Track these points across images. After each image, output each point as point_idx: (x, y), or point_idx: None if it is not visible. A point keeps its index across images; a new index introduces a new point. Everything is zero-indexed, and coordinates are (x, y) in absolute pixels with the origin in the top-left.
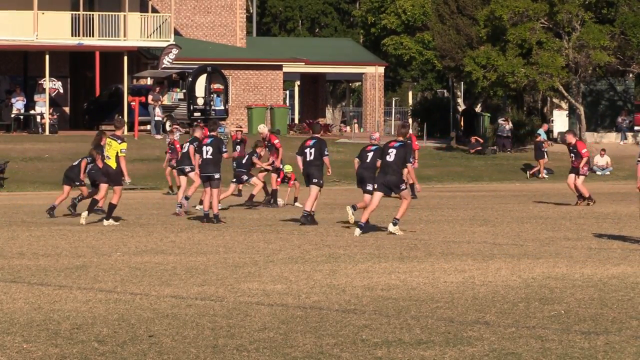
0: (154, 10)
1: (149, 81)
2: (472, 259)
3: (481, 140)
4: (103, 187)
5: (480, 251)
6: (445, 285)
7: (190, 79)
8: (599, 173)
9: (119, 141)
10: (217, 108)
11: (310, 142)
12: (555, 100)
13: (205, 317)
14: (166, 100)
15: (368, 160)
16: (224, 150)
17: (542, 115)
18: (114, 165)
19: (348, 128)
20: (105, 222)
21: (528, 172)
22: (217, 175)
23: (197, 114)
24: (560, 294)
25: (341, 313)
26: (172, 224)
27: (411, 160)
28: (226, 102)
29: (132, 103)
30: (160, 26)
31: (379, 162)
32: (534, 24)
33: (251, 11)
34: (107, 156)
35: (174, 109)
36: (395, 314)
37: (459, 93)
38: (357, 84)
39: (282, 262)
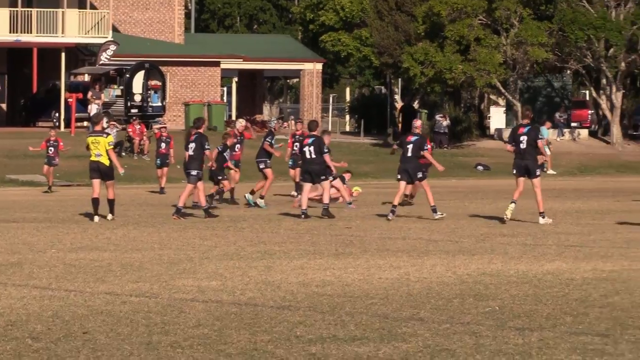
0: (92, 7)
1: (87, 77)
2: (407, 256)
3: None
4: (96, 183)
5: (416, 247)
6: (380, 281)
7: (127, 76)
8: None
9: (104, 135)
10: (154, 104)
11: (309, 140)
12: (493, 97)
13: (140, 313)
14: (104, 96)
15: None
16: (207, 147)
17: (479, 112)
18: (107, 162)
19: (286, 124)
20: (110, 217)
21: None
22: (194, 172)
23: (134, 111)
24: (495, 290)
25: (276, 309)
26: (106, 220)
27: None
28: (163, 98)
29: (69, 99)
30: (98, 22)
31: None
32: (472, 20)
33: (189, 7)
34: (97, 154)
35: (112, 106)
36: (329, 310)
37: (396, 89)
38: (295, 80)
39: (217, 259)
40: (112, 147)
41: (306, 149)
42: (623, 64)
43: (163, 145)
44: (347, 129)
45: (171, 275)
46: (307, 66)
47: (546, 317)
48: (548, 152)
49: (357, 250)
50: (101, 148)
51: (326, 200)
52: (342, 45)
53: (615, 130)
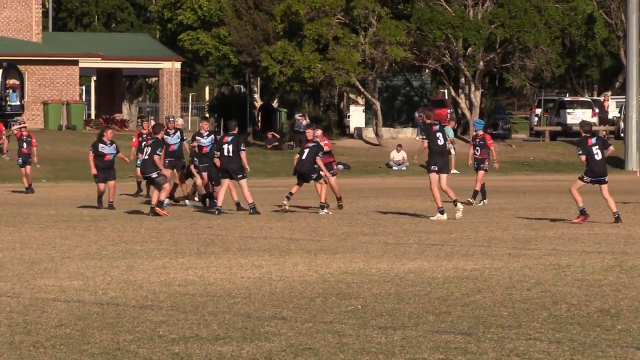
0: None
1: None
2: (269, 255)
3: (278, 136)
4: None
5: (278, 246)
6: (242, 280)
7: None
8: (395, 168)
9: None
10: (12, 104)
11: (228, 139)
12: (352, 96)
13: (2, 313)
14: None
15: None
16: (159, 152)
17: (338, 111)
18: None
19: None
20: None
21: None
22: (154, 175)
23: None
24: (357, 289)
25: (138, 309)
26: None
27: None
28: (22, 97)
29: None
30: None
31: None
32: (331, 19)
33: (47, 6)
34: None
35: None
36: (192, 309)
37: (255, 88)
38: (154, 79)
39: (78, 258)
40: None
41: (225, 147)
42: (481, 63)
43: (25, 145)
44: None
45: (32, 274)
46: (165, 65)
47: (409, 315)
48: (453, 152)
49: (219, 250)
50: None
51: (249, 199)
52: (201, 44)
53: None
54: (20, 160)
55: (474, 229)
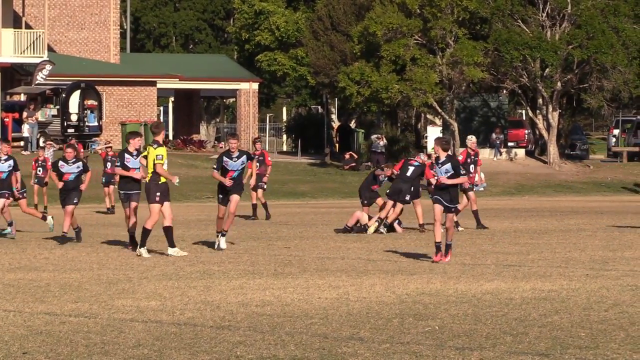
0: (28, 26)
1: (23, 97)
2: (346, 275)
3: (355, 156)
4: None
5: (355, 267)
6: (320, 301)
7: (64, 95)
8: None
9: (155, 146)
10: (90, 124)
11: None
12: (429, 117)
13: (79, 334)
14: (39, 116)
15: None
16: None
17: (416, 131)
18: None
19: (222, 144)
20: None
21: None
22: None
23: (70, 130)
24: (434, 309)
25: (215, 329)
26: (45, 241)
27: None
28: (100, 118)
29: (5, 119)
30: (33, 42)
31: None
32: (408, 40)
33: (125, 27)
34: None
35: (48, 125)
36: (269, 330)
37: (333, 109)
38: (232, 100)
39: (156, 279)
40: (161, 161)
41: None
42: (559, 84)
43: (109, 165)
44: (285, 148)
45: (110, 295)
46: (243, 86)
47: (486, 336)
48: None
49: (296, 270)
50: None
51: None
52: (278, 65)
53: (552, 149)
54: (104, 180)
55: (551, 250)
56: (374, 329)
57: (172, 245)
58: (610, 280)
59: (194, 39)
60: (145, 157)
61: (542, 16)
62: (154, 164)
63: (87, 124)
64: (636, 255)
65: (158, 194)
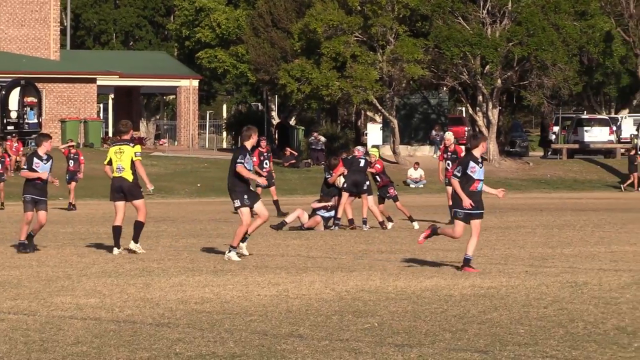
0: None
1: None
2: (285, 272)
3: (295, 153)
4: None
5: (294, 264)
6: (259, 298)
7: (3, 92)
8: (412, 186)
9: (131, 144)
10: (30, 121)
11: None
12: (370, 114)
13: (18, 331)
14: None
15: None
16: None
17: (355, 128)
18: (131, 177)
19: (164, 141)
20: (135, 246)
21: (622, 185)
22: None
23: (10, 128)
24: (374, 306)
25: (155, 327)
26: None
27: None
28: (40, 115)
29: None
30: None
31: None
32: (348, 37)
33: (65, 24)
34: (120, 167)
35: None
36: (209, 327)
37: (273, 106)
38: (172, 97)
39: (95, 276)
40: (139, 158)
41: None
42: (499, 81)
43: (72, 162)
44: (224, 145)
45: (49, 292)
46: (183, 83)
47: (425, 333)
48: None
49: (236, 267)
50: (125, 159)
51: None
52: (219, 62)
53: (492, 147)
54: (67, 177)
55: (490, 247)
56: (314, 326)
57: (136, 240)
58: (549, 277)
59: (134, 35)
60: (118, 154)
61: (482, 13)
62: (132, 161)
63: (26, 121)
64: (575, 252)
65: (141, 189)
